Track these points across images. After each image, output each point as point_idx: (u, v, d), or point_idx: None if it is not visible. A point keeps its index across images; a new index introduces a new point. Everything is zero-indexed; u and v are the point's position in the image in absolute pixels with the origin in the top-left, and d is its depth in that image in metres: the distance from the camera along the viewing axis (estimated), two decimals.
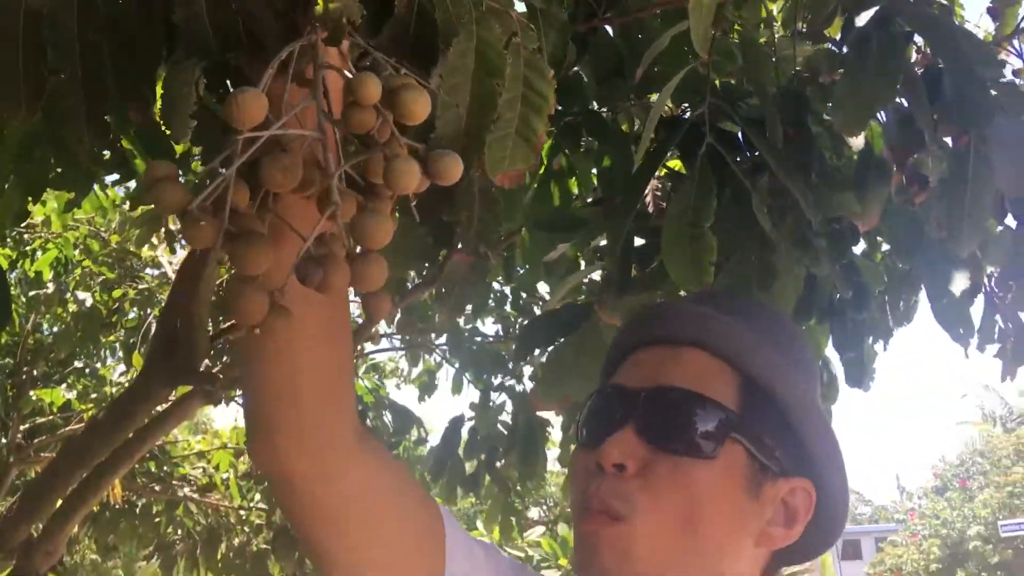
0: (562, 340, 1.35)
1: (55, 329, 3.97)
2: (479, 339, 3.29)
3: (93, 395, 3.92)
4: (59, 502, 2.55)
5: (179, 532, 4.42)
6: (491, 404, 2.93)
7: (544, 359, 1.50)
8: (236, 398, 4.20)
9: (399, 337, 3.69)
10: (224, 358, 2.52)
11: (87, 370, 4.20)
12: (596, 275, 1.50)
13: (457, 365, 3.38)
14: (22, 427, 3.87)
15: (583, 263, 1.54)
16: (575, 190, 1.44)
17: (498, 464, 2.95)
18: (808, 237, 1.20)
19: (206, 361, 1.92)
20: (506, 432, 2.87)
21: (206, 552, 4.36)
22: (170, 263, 3.57)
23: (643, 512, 0.69)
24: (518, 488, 3.30)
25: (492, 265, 1.34)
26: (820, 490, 0.75)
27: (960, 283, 1.29)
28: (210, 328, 1.92)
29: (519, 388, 2.93)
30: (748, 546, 0.73)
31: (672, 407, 0.72)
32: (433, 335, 3.57)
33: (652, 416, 0.71)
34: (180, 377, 1.82)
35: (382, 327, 3.61)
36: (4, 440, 3.81)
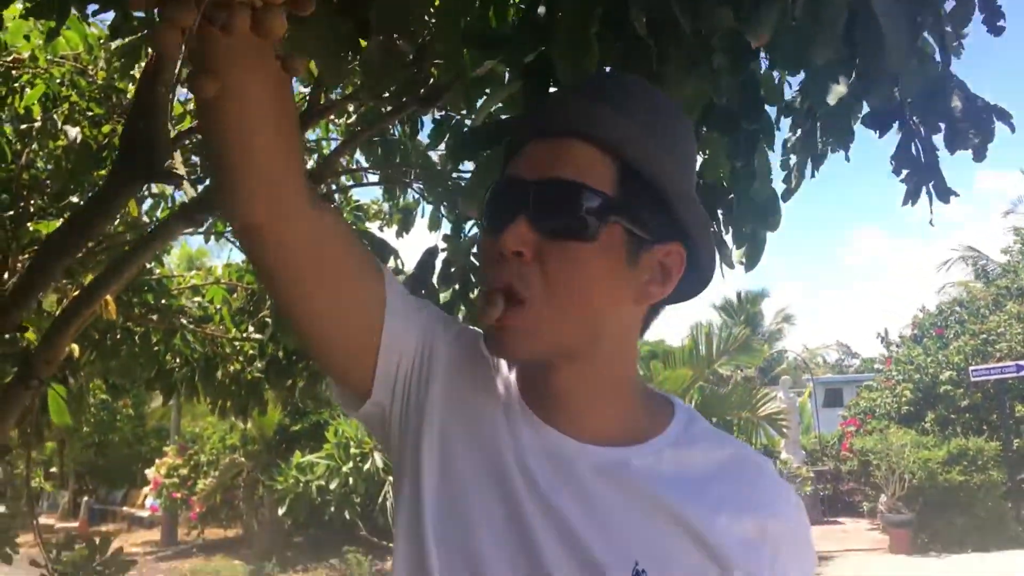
0: (487, 152, 1.51)
1: (49, 166, 4.05)
2: (455, 176, 3.38)
3: (65, 220, 4.03)
4: (44, 306, 2.74)
5: (177, 360, 4.56)
6: (463, 236, 3.06)
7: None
8: (225, 234, 4.36)
9: (377, 174, 3.78)
10: (187, 158, 2.61)
11: (81, 204, 4.30)
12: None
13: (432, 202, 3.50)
14: (21, 258, 4.00)
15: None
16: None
17: (471, 295, 3.12)
18: (708, 54, 1.34)
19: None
20: (478, 264, 3.01)
21: (204, 379, 4.53)
22: None
23: (540, 293, 0.83)
24: None
25: (407, 49, 1.49)
26: (690, 250, 0.89)
27: (836, 94, 1.42)
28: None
29: None
30: (628, 305, 0.89)
31: (558, 197, 0.84)
32: (411, 172, 3.67)
33: (542, 206, 0.84)
34: (145, 175, 1.97)
35: (361, 163, 3.74)
36: (5, 274, 3.96)
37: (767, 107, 1.62)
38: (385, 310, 0.88)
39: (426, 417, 0.90)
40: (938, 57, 1.68)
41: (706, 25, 1.25)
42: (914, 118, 1.80)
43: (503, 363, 0.95)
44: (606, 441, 0.88)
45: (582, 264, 0.84)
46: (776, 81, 1.80)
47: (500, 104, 1.71)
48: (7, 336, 2.49)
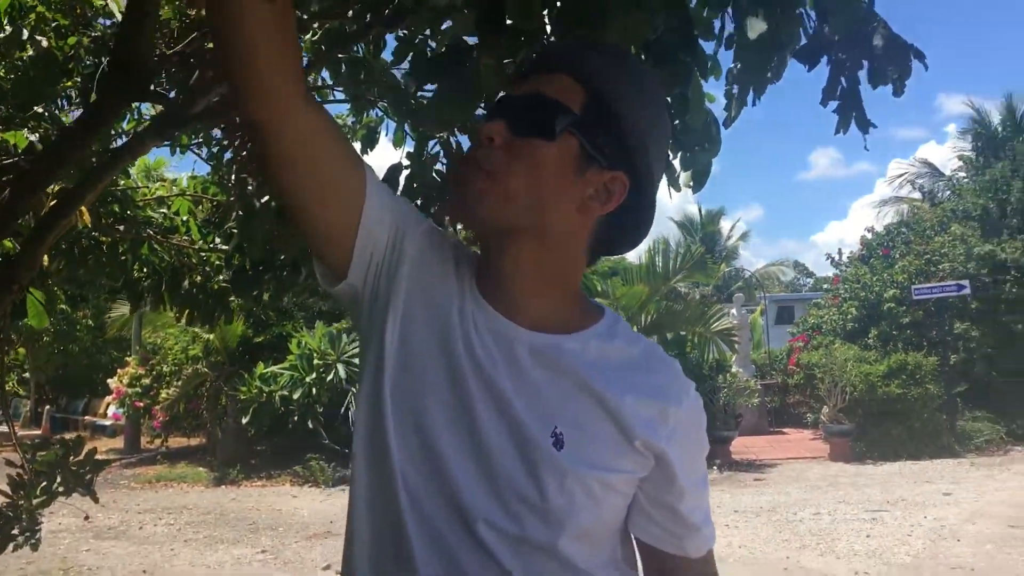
0: (448, 75, 1.67)
1: (12, 77, 4.04)
2: (419, 95, 3.47)
3: (54, 138, 4.07)
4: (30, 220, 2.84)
5: (144, 270, 4.59)
6: (426, 154, 3.18)
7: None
8: (191, 147, 4.41)
9: (342, 91, 3.86)
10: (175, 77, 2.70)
11: (46, 115, 4.31)
12: None
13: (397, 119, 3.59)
14: None
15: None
16: None
17: (432, 210, 3.26)
18: None
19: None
20: (440, 181, 3.14)
21: (170, 288, 4.54)
22: (120, 12, 3.63)
23: (501, 169, 1.02)
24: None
25: None
26: (636, 184, 1.07)
27: (756, 29, 1.58)
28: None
29: (452, 140, 3.18)
30: (572, 211, 1.06)
31: (532, 106, 1.03)
32: (375, 90, 3.74)
33: (518, 112, 1.04)
34: (131, 95, 2.08)
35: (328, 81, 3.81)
36: None
37: (701, 41, 1.78)
38: (364, 200, 1.04)
39: (393, 297, 1.06)
40: None
41: None
42: (840, 54, 1.96)
43: (463, 258, 1.12)
44: (542, 327, 1.06)
45: (538, 156, 1.02)
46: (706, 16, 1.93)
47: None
48: None
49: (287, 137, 1.00)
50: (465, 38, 1.87)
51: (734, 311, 14.50)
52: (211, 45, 2.81)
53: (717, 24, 1.84)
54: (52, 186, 3.51)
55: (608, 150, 1.04)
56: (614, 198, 1.06)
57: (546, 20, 1.66)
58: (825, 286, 18.00)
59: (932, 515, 8.09)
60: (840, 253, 17.93)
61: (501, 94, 1.13)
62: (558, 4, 1.52)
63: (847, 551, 6.89)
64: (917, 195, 20.04)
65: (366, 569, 1.04)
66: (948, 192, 17.12)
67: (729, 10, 1.70)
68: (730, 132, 2.17)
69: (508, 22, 1.55)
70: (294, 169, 1.02)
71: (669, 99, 1.69)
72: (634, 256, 14.06)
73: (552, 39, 1.65)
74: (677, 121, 1.99)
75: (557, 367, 1.04)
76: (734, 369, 13.07)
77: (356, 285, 1.08)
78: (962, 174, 16.09)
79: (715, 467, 11.47)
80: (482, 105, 1.21)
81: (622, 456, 1.04)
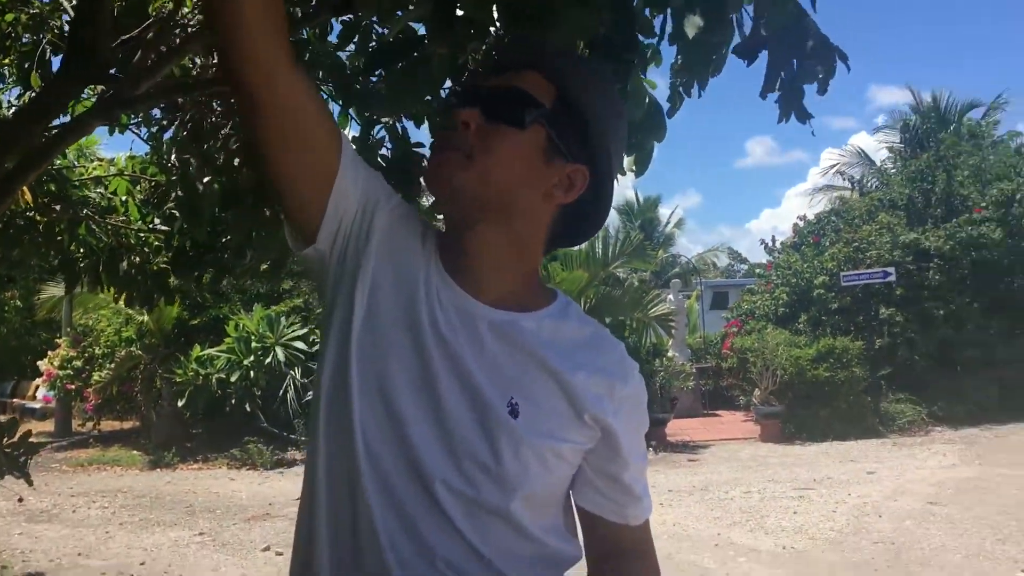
0: (400, 64, 1.73)
1: None
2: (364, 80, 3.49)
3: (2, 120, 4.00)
4: None
5: (81, 251, 4.52)
6: (371, 138, 3.22)
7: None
8: (129, 127, 4.36)
9: None
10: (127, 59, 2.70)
11: None
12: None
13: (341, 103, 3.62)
14: None
15: None
16: None
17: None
18: None
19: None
20: (384, 165, 3.19)
21: (108, 269, 4.47)
22: None
23: (476, 150, 1.09)
24: None
25: None
26: (595, 178, 1.17)
27: (693, 25, 1.68)
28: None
29: (398, 125, 3.22)
30: (537, 196, 1.15)
31: (505, 97, 1.11)
32: (320, 73, 3.76)
33: (492, 102, 1.12)
34: (88, 78, 2.10)
35: None
36: None
37: (642, 39, 1.88)
38: (338, 170, 1.11)
39: (362, 265, 1.12)
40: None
41: None
42: (774, 51, 2.07)
43: (429, 234, 1.19)
44: (501, 305, 1.13)
45: (508, 142, 1.10)
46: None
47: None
48: None
49: (271, 101, 1.05)
50: (414, 27, 1.94)
51: (671, 296, 14.78)
52: (157, 30, 2.82)
53: (658, 22, 1.93)
54: None
55: (573, 144, 1.13)
56: (575, 188, 1.15)
57: (495, 14, 1.74)
58: (758, 271, 18.42)
59: (856, 493, 8.43)
60: (774, 240, 18.39)
61: (472, 84, 1.20)
62: None
63: (775, 527, 7.15)
64: (848, 185, 20.59)
65: (323, 529, 1.09)
66: (876, 182, 17.64)
67: (668, 9, 1.78)
68: (670, 119, 2.27)
69: (460, 14, 1.63)
70: (275, 132, 1.08)
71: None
72: None
73: (501, 33, 1.73)
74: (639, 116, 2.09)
75: (514, 343, 1.11)
76: (670, 353, 13.35)
77: (324, 251, 1.14)
78: (890, 164, 16.60)
79: (651, 448, 11.73)
80: (449, 92, 1.28)
81: (572, 428, 1.11)
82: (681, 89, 2.22)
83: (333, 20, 3.17)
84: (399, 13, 1.84)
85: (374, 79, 3.42)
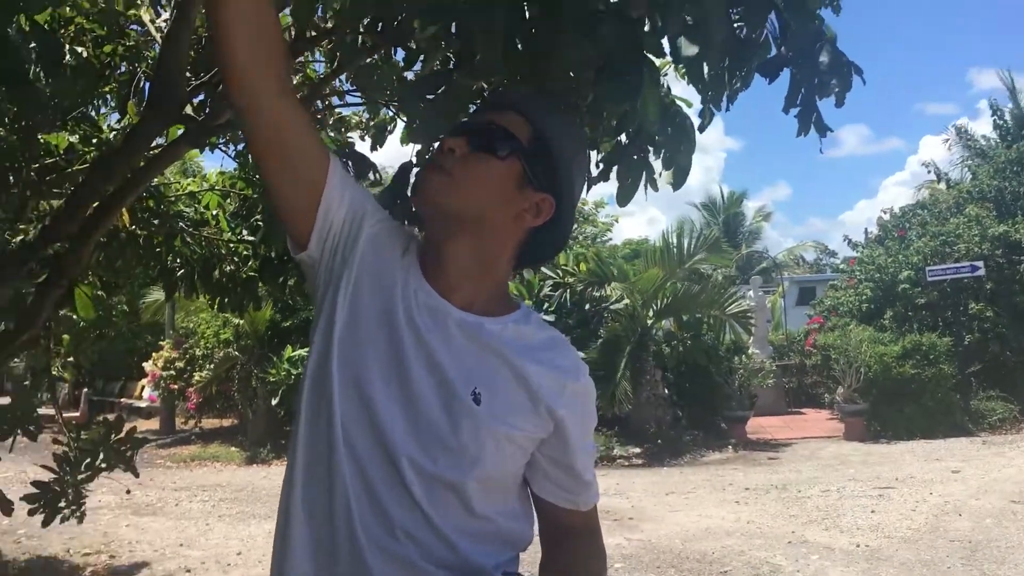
0: (432, 96, 1.98)
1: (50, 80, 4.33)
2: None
3: (93, 140, 4.36)
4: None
5: (178, 261, 4.85)
6: (432, 153, 3.44)
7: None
8: (219, 145, 4.70)
9: (358, 94, 4.14)
10: (204, 105, 3.01)
11: (84, 118, 4.59)
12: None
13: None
14: (34, 167, 4.31)
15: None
16: None
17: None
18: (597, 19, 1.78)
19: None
20: None
21: (202, 278, 4.84)
22: (152, 22, 3.90)
23: (457, 172, 1.28)
24: None
25: None
26: (559, 207, 1.36)
27: (689, 50, 1.86)
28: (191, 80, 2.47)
29: None
30: (509, 217, 1.31)
31: (488, 131, 1.31)
32: (386, 92, 4.02)
33: (477, 134, 1.31)
34: (168, 118, 2.40)
35: (345, 85, 4.10)
36: (20, 178, 4.29)
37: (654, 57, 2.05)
38: (325, 186, 1.27)
39: (347, 268, 1.28)
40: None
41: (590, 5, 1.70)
42: (795, 69, 2.22)
43: (413, 245, 1.35)
44: (470, 309, 1.29)
45: (486, 168, 1.28)
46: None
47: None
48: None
49: (261, 122, 1.24)
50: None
51: (751, 293, 14.68)
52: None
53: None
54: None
55: (542, 176, 1.31)
56: (543, 214, 1.33)
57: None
58: (842, 267, 18.05)
59: (939, 491, 8.30)
60: (866, 233, 17.99)
61: (463, 121, 1.41)
62: (517, 42, 1.81)
63: (851, 526, 7.14)
64: (958, 174, 19.82)
65: (300, 508, 1.25)
66: (967, 172, 17.10)
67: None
68: (758, 110, 2.40)
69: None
70: (266, 150, 1.26)
71: (627, 108, 1.96)
72: (658, 238, 14.22)
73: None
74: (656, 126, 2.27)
75: (480, 341, 1.27)
76: (750, 351, 13.28)
77: (314, 256, 1.30)
78: (986, 151, 16.03)
79: (730, 446, 11.73)
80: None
81: (527, 417, 1.27)
82: (710, 105, 2.40)
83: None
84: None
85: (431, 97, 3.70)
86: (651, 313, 11.98)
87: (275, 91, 1.23)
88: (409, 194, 1.41)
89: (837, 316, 15.03)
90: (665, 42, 1.98)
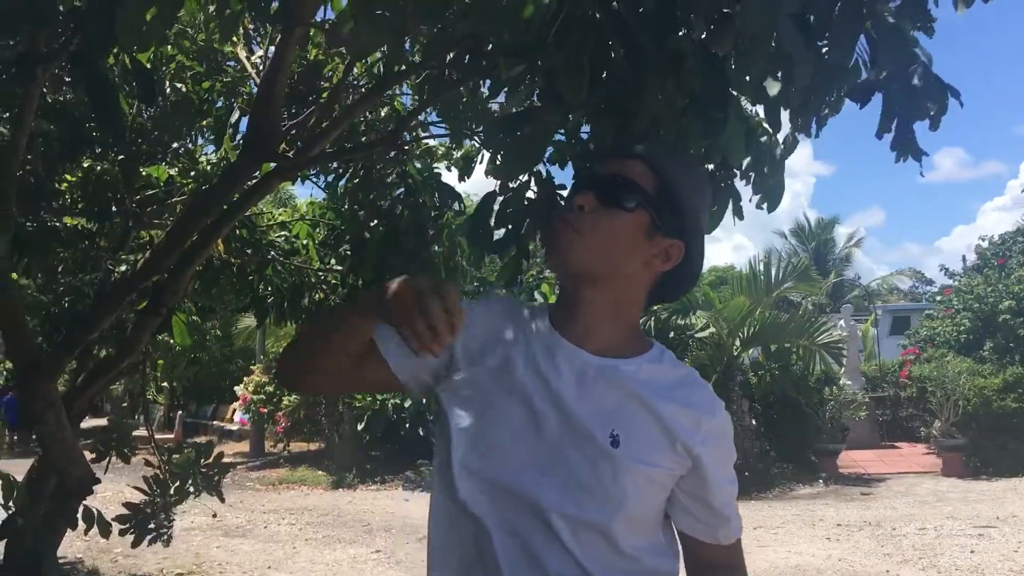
0: (517, 133, 2.00)
1: (153, 118, 4.51)
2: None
3: (191, 172, 4.54)
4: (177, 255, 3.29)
5: (269, 288, 4.98)
6: (518, 182, 3.47)
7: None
8: (310, 177, 4.82)
9: (443, 125, 4.20)
10: (297, 142, 3.11)
11: (182, 151, 4.80)
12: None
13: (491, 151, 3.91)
14: (135, 198, 4.50)
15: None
16: None
17: (522, 231, 3.54)
18: (681, 57, 1.77)
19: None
20: (527, 205, 3.42)
21: (291, 305, 4.97)
22: (247, 59, 4.05)
23: (587, 228, 1.32)
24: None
25: None
26: (688, 250, 1.38)
27: (773, 89, 1.83)
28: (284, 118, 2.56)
29: (543, 169, 3.47)
30: (639, 266, 1.34)
31: (616, 184, 1.34)
32: (473, 124, 4.07)
33: (606, 188, 1.34)
34: (263, 156, 2.49)
35: (431, 116, 4.17)
36: (122, 209, 4.48)
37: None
38: (391, 370, 1.36)
39: (455, 373, 1.35)
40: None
41: (674, 45, 1.70)
42: (887, 92, 2.16)
43: (526, 310, 1.41)
44: (605, 353, 1.32)
45: (617, 222, 1.32)
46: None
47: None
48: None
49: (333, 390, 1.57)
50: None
51: (841, 322, 14.27)
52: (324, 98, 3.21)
53: None
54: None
55: (670, 224, 1.34)
56: (672, 259, 1.36)
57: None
58: (938, 296, 17.42)
59: None
60: (964, 261, 17.35)
61: (589, 170, 1.43)
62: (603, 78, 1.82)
63: (949, 566, 6.83)
64: None
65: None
66: None
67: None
68: (848, 133, 2.36)
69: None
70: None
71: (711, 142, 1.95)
72: (745, 265, 13.99)
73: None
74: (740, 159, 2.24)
75: (615, 383, 1.30)
76: (841, 381, 12.89)
77: (418, 388, 1.40)
78: None
79: (820, 480, 11.38)
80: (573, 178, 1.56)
81: (665, 455, 1.28)
82: (798, 132, 2.36)
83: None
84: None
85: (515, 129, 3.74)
86: (737, 342, 11.75)
87: (333, 377, 1.40)
88: (541, 250, 1.45)
89: (933, 347, 14.48)
90: None
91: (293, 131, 2.92)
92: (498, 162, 2.09)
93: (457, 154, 4.49)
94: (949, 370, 12.41)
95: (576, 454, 1.25)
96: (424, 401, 11.76)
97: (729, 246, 71.20)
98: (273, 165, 3.17)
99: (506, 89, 2.29)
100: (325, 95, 3.78)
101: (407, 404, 11.93)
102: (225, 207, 3.07)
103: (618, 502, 1.25)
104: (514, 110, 2.07)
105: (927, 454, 13.11)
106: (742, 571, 1.42)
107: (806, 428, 11.93)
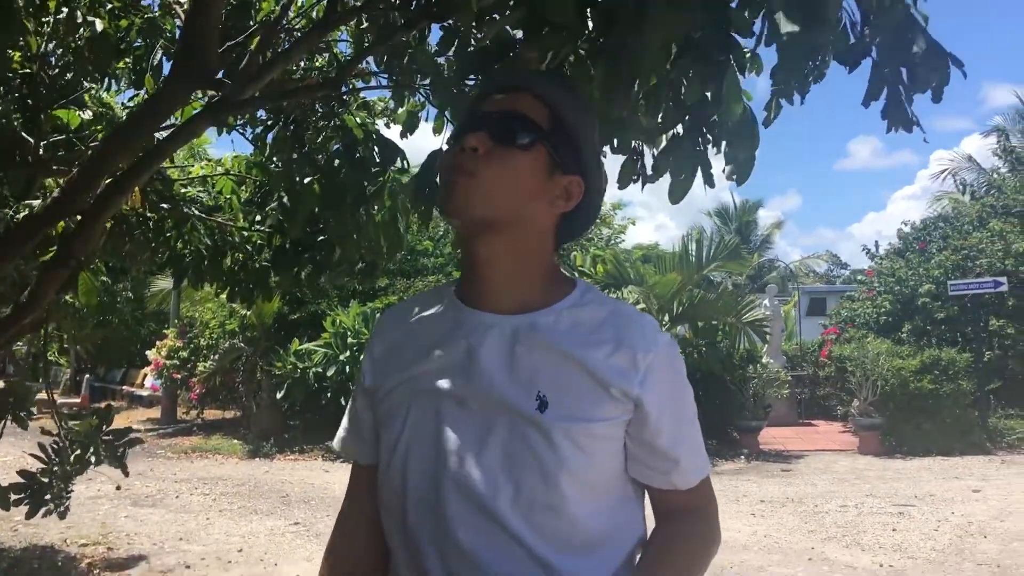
0: (495, 67, 1.75)
1: (66, 58, 4.14)
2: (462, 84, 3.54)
3: (106, 118, 4.18)
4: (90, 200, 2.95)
5: (188, 248, 4.69)
6: None
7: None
8: (236, 128, 4.49)
9: (386, 77, 3.93)
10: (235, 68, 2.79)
11: (96, 94, 4.41)
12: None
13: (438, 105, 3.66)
14: (42, 143, 4.14)
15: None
16: None
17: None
18: None
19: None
20: None
21: (212, 266, 4.63)
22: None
23: (483, 171, 1.18)
24: None
25: None
26: (587, 186, 1.28)
27: (787, 28, 1.64)
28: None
29: None
30: (543, 208, 1.24)
31: (509, 121, 1.21)
32: (418, 76, 3.81)
33: (498, 125, 1.21)
34: (196, 82, 2.18)
35: (372, 66, 3.88)
36: (29, 155, 4.11)
37: (741, 39, 1.84)
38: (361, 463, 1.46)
39: (379, 415, 1.32)
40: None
41: None
42: (881, 59, 1.99)
43: (431, 302, 1.34)
44: (519, 309, 1.23)
45: (513, 162, 1.20)
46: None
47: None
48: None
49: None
50: (509, 31, 1.95)
51: (766, 302, 14.45)
52: (263, 35, 2.91)
53: (757, 24, 1.89)
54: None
55: (568, 160, 1.24)
56: (573, 198, 1.27)
57: (588, 17, 1.74)
58: (860, 278, 17.83)
59: (960, 511, 8.07)
60: (877, 245, 17.77)
61: (475, 107, 1.28)
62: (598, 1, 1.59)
63: (872, 544, 6.91)
64: (959, 189, 19.71)
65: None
66: (987, 187, 16.85)
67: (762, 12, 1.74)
68: (765, 128, 2.22)
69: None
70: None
71: (708, 95, 1.75)
72: (668, 244, 14.04)
73: (594, 35, 1.73)
74: (714, 117, 2.05)
75: (533, 341, 1.20)
76: (764, 360, 13.05)
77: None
78: (1004, 169, 15.83)
79: (742, 456, 11.52)
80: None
81: (602, 406, 1.18)
82: (780, 97, 2.17)
83: (434, 26, 3.24)
84: (495, 17, 1.86)
85: (470, 82, 3.48)
86: (667, 319, 11.75)
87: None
88: (437, 206, 1.27)
89: (853, 328, 14.80)
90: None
91: (233, 54, 2.59)
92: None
93: (401, 110, 4.21)
94: (869, 351, 12.67)
95: (504, 432, 1.16)
96: (348, 369, 11.47)
97: (652, 225, 72.07)
98: (196, 111, 2.87)
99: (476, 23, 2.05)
100: (257, 39, 3.48)
101: (329, 373, 11.59)
102: (146, 146, 2.75)
103: (557, 469, 1.14)
104: (488, 42, 1.83)
105: (843, 432, 13.44)
106: (705, 516, 1.31)
107: (730, 405, 12.04)
